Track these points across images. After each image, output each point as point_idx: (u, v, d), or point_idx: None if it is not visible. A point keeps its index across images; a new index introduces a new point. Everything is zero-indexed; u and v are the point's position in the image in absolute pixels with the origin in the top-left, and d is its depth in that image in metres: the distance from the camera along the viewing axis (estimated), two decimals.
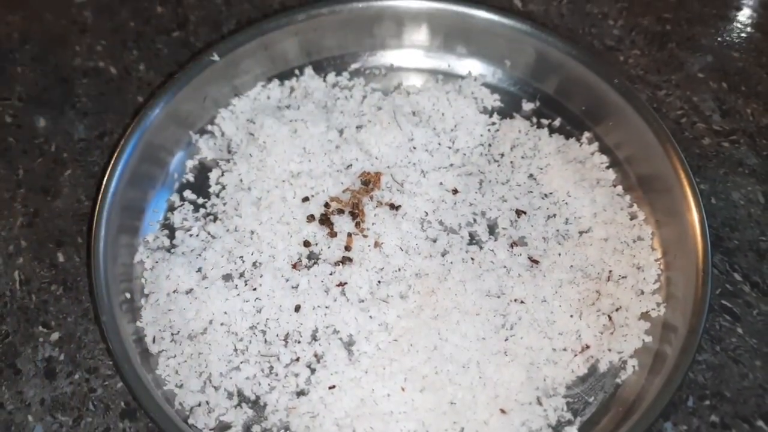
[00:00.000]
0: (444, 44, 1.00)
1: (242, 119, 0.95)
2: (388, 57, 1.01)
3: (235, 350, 0.80)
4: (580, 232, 0.88)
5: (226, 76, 0.95)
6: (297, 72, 0.99)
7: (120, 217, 0.84)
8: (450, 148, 0.94)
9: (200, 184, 0.92)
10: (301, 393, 0.78)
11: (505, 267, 0.85)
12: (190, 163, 0.93)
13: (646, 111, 0.88)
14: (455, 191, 0.90)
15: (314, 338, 0.81)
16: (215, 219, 0.89)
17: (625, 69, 1.03)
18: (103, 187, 0.83)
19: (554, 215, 0.89)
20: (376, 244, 0.86)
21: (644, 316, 0.82)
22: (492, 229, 0.88)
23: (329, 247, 0.86)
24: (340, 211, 0.88)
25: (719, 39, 1.06)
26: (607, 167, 0.92)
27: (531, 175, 0.92)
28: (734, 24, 1.08)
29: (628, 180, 0.91)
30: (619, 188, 0.91)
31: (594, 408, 0.78)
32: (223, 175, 0.92)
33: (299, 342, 0.81)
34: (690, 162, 0.85)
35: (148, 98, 0.96)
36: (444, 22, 0.98)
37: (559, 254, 0.86)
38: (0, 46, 1.04)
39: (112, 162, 0.85)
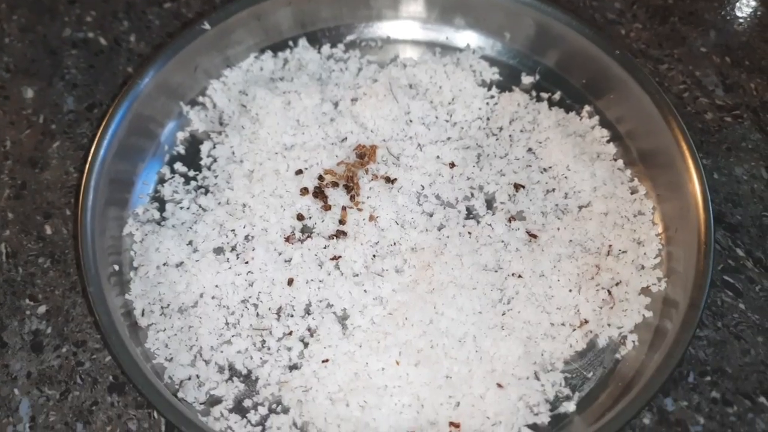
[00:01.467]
0: (442, 16, 0.97)
1: (234, 91, 0.93)
2: (385, 29, 0.98)
3: (227, 324, 0.78)
4: (580, 207, 0.86)
5: (217, 46, 0.92)
6: (291, 43, 0.97)
7: (108, 189, 0.82)
8: (447, 121, 0.92)
9: (191, 157, 0.90)
10: (293, 367, 0.76)
11: (502, 241, 0.83)
12: (181, 135, 0.91)
13: (649, 83, 0.86)
14: (452, 165, 0.88)
15: (307, 312, 0.79)
16: (206, 192, 0.87)
17: (627, 43, 1.01)
18: (90, 158, 0.81)
19: (553, 189, 0.87)
20: (371, 218, 0.84)
21: (644, 291, 0.80)
22: (490, 203, 0.87)
23: (323, 221, 0.84)
24: (335, 184, 0.86)
25: (722, 13, 1.04)
26: (608, 141, 0.90)
27: (530, 149, 0.90)
28: None
29: (629, 155, 0.89)
30: (620, 162, 0.89)
31: (593, 383, 0.76)
32: (214, 147, 0.90)
33: (292, 316, 0.79)
34: (692, 137, 0.83)
35: (138, 68, 0.93)
36: None
37: (558, 229, 0.84)
38: None
39: (99, 133, 0.83)
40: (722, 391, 0.77)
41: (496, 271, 0.81)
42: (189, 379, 0.75)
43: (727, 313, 0.81)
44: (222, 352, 0.77)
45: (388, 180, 0.87)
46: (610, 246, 0.83)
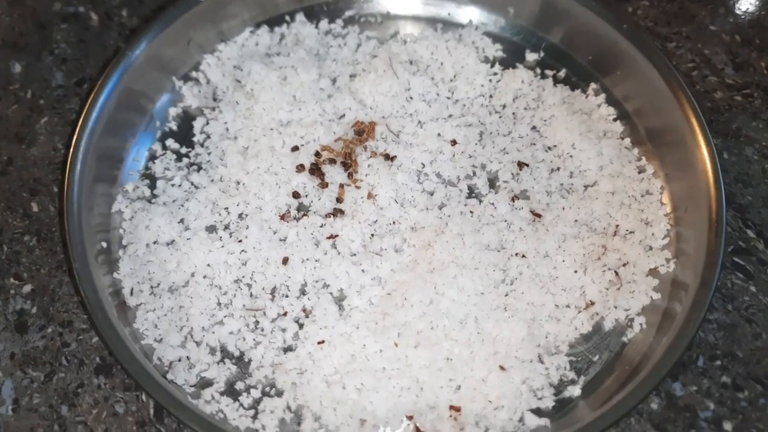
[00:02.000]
0: None
1: (229, 66, 0.90)
2: (385, 4, 0.95)
3: (219, 304, 0.75)
4: (586, 186, 0.83)
5: (211, 19, 0.89)
6: (287, 18, 0.94)
7: (97, 165, 0.79)
8: (449, 98, 0.89)
9: (184, 133, 0.87)
10: (288, 349, 0.73)
11: (505, 221, 0.80)
12: (173, 111, 0.88)
13: (658, 58, 0.83)
14: (454, 143, 0.85)
15: (303, 292, 0.76)
16: (199, 169, 0.84)
17: (634, 20, 0.98)
18: (77, 132, 0.78)
19: (558, 168, 0.84)
20: (370, 196, 0.81)
21: (652, 272, 0.78)
22: (492, 182, 0.84)
23: (320, 199, 0.81)
24: (332, 161, 0.83)
25: None
26: (615, 119, 0.88)
27: (534, 127, 0.87)
28: None
29: (637, 133, 0.86)
30: (627, 141, 0.86)
31: (598, 367, 0.74)
32: (207, 123, 0.87)
33: (287, 296, 0.76)
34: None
35: (128, 40, 0.90)
36: None
37: (563, 208, 0.81)
38: None
39: (87, 106, 0.80)
40: (733, 375, 0.74)
41: (498, 251, 0.78)
42: (179, 360, 0.72)
43: (737, 295, 0.79)
44: (214, 333, 0.74)
45: (388, 157, 0.84)
46: (617, 226, 0.80)
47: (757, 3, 1.00)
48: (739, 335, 0.76)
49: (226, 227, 0.80)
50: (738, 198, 0.85)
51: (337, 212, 0.80)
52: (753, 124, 0.90)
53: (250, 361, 0.73)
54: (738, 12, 0.99)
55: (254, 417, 0.70)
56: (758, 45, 0.96)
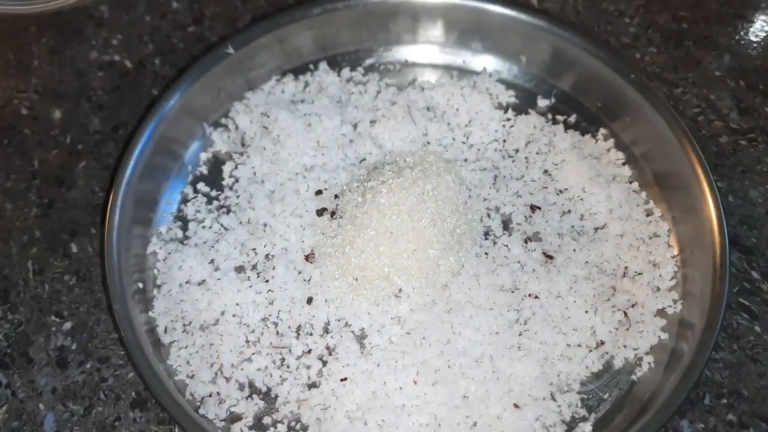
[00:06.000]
0: (459, 40, 0.99)
1: (256, 113, 0.95)
2: (403, 52, 1.01)
3: (247, 342, 0.80)
4: (596, 228, 0.87)
5: (240, 69, 0.95)
6: (311, 67, 0.99)
7: (133, 208, 0.84)
8: (464, 143, 0.94)
9: (214, 177, 0.92)
10: (312, 385, 0.77)
11: (519, 262, 0.84)
12: (204, 156, 0.93)
13: (663, 107, 0.88)
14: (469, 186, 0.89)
15: (326, 331, 0.81)
16: (228, 211, 0.89)
17: (642, 66, 1.02)
18: (117, 177, 0.83)
19: (569, 211, 0.88)
20: None
21: (660, 312, 0.81)
22: (506, 224, 0.88)
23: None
24: None
25: (736, 37, 1.06)
26: (623, 164, 0.92)
27: (546, 171, 0.91)
28: (752, 23, 1.07)
29: (645, 177, 0.90)
30: (636, 185, 0.90)
31: (608, 405, 0.77)
32: (236, 167, 0.92)
33: (311, 334, 0.80)
34: (707, 160, 0.84)
35: (163, 91, 0.96)
36: (460, 17, 0.98)
37: (574, 250, 0.85)
38: (18, 39, 1.04)
39: (126, 153, 0.85)
40: (738, 413, 0.77)
41: (512, 292, 0.82)
42: (210, 395, 0.77)
43: (742, 335, 0.82)
44: (242, 369, 0.78)
45: None
46: (626, 268, 0.84)
47: (760, 49, 1.04)
48: (744, 374, 0.79)
49: (254, 267, 0.84)
50: (743, 240, 0.88)
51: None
52: (757, 168, 0.94)
53: (276, 396, 0.77)
54: (742, 58, 1.03)
55: None
56: (762, 91, 1.00)
